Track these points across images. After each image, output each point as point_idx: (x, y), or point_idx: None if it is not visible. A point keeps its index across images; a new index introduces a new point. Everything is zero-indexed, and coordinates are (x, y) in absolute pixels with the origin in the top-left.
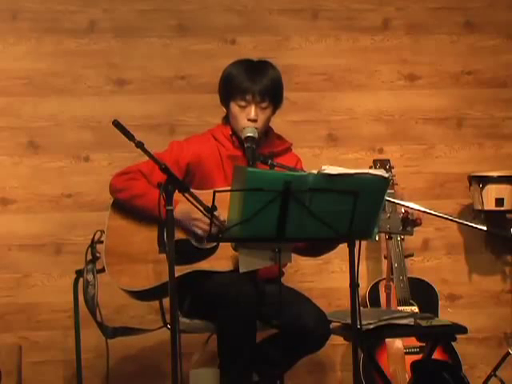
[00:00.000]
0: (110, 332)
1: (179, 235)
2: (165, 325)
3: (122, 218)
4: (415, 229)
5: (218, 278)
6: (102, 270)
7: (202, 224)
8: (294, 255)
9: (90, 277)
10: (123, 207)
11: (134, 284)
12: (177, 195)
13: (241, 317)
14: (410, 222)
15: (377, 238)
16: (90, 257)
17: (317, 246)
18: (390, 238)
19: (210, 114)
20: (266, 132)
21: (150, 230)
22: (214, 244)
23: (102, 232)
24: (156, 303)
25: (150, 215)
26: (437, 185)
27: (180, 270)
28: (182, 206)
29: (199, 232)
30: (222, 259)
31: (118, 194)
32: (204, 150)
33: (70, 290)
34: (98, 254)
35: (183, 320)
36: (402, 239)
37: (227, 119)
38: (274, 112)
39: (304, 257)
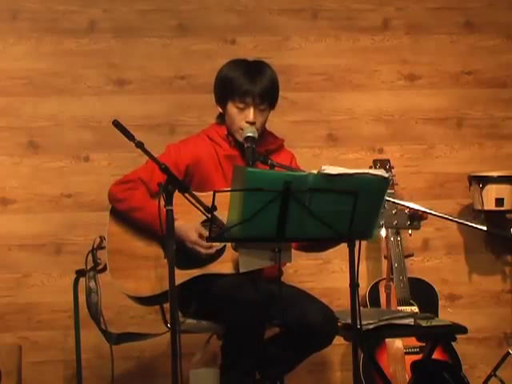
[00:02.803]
0: (114, 339)
1: None
2: (169, 329)
3: (123, 223)
4: (422, 222)
5: (225, 280)
6: (103, 270)
7: (201, 248)
8: (294, 254)
9: (92, 284)
10: (122, 215)
11: (139, 290)
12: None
13: (249, 318)
14: (417, 217)
15: (383, 234)
16: (91, 263)
17: (320, 243)
18: (398, 232)
19: (210, 114)
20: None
21: (152, 234)
22: (223, 245)
23: (103, 238)
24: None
25: (148, 229)
26: (437, 185)
27: (187, 275)
28: (180, 230)
29: (202, 253)
30: (225, 262)
31: (117, 204)
32: (201, 151)
33: (70, 290)
34: (99, 260)
35: (189, 321)
36: (401, 234)
37: (222, 119)
38: (269, 113)
39: (309, 253)
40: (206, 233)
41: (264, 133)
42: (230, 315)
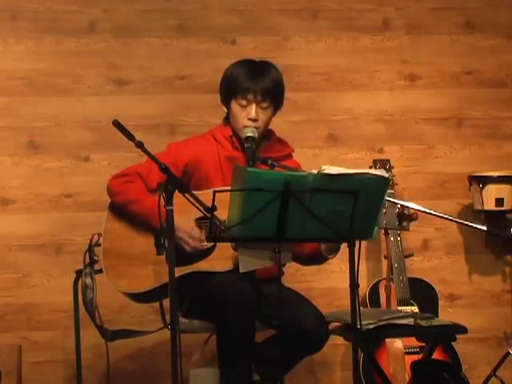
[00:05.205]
0: (110, 335)
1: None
2: (165, 325)
3: (120, 220)
4: (412, 223)
5: (216, 278)
6: (101, 271)
7: (186, 244)
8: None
9: (88, 280)
10: (120, 210)
11: (132, 286)
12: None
13: (240, 317)
14: (405, 217)
15: (377, 231)
16: (88, 260)
17: (305, 260)
18: (387, 233)
19: (210, 114)
20: (268, 135)
21: (147, 231)
22: (211, 244)
23: (100, 235)
24: (156, 303)
25: (144, 221)
26: (437, 185)
27: (179, 271)
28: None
29: (187, 249)
30: (221, 259)
31: (115, 197)
32: (202, 151)
33: (69, 289)
34: (96, 257)
35: (182, 320)
36: (401, 234)
37: (228, 119)
38: (274, 113)
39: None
40: (198, 233)
41: (271, 138)
42: (220, 314)
